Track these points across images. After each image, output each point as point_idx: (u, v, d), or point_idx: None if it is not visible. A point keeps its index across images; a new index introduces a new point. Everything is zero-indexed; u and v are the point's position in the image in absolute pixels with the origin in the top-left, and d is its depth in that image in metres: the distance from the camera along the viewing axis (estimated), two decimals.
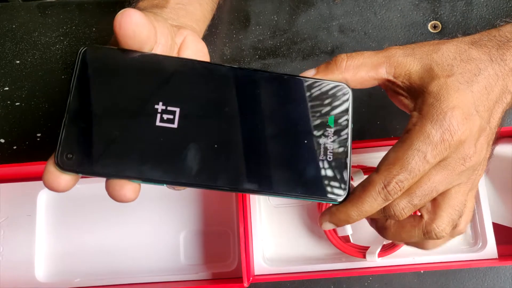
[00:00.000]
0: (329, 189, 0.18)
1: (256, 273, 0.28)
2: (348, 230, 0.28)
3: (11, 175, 0.30)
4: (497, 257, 0.28)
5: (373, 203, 0.19)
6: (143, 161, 0.17)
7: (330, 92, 0.19)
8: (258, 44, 0.35)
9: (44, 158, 0.32)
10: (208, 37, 0.35)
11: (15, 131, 0.33)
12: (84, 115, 0.17)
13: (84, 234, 0.30)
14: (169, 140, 0.17)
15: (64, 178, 0.16)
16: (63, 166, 0.16)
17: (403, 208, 0.19)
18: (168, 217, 0.30)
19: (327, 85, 0.20)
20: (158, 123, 0.17)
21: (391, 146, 0.19)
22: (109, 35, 0.35)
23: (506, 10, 0.35)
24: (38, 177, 0.30)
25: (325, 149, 0.19)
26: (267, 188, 0.18)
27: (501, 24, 0.22)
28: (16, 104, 0.34)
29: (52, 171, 0.16)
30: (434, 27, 0.35)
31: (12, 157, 0.32)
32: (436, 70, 0.20)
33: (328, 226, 0.20)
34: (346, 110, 0.19)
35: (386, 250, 0.28)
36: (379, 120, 0.33)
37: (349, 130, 0.19)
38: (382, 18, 0.36)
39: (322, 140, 0.19)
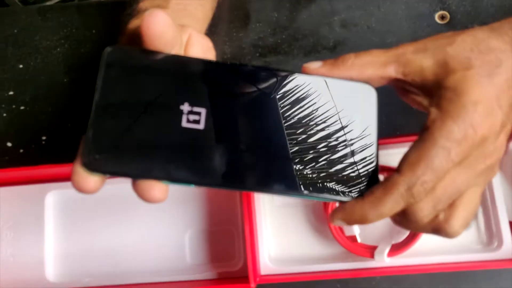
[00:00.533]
0: (354, 187, 0.19)
1: (262, 273, 0.28)
2: (355, 229, 0.28)
3: (19, 178, 0.31)
4: None
5: (394, 205, 0.18)
6: (171, 161, 0.17)
7: (355, 92, 0.20)
8: (258, 42, 0.35)
9: (50, 160, 0.32)
10: (208, 36, 0.35)
11: (21, 135, 0.34)
12: (111, 116, 0.17)
13: (92, 234, 0.31)
14: (196, 141, 0.17)
15: (92, 179, 0.16)
16: (91, 167, 0.16)
17: (427, 215, 0.19)
18: (173, 217, 0.31)
19: (351, 85, 0.20)
20: (184, 124, 0.17)
21: (410, 145, 0.19)
22: (108, 36, 0.36)
23: None
24: (45, 179, 0.31)
25: (352, 149, 0.19)
26: (294, 188, 0.18)
27: None
28: (21, 108, 0.34)
29: (79, 172, 0.16)
30: (442, 17, 0.34)
31: (19, 160, 0.33)
32: (452, 64, 0.19)
33: (339, 223, 0.19)
34: (372, 110, 0.19)
35: (396, 250, 0.27)
36: (385, 117, 0.33)
37: (375, 129, 0.19)
38: (386, 11, 0.35)
39: (347, 140, 0.19)
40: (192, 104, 0.18)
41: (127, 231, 0.31)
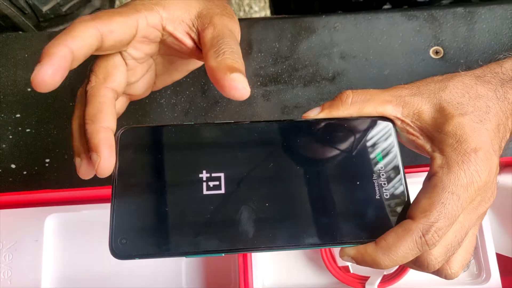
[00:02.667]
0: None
1: None
2: None
3: (20, 201, 0.32)
4: None
5: (407, 253, 0.18)
6: (197, 235, 0.17)
7: (372, 128, 0.19)
8: (260, 71, 0.37)
9: (52, 183, 0.34)
10: None
11: (25, 157, 0.36)
12: (131, 198, 0.17)
13: (89, 258, 0.32)
14: (220, 207, 0.17)
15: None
16: (118, 253, 0.16)
17: (440, 261, 0.19)
18: None
19: (365, 122, 0.20)
20: (205, 191, 0.18)
21: (419, 191, 0.19)
22: None
23: (508, 35, 0.36)
24: (45, 202, 0.33)
25: (380, 187, 0.19)
26: (327, 240, 0.18)
27: (502, 58, 0.23)
28: (27, 130, 0.36)
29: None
30: (436, 52, 0.37)
31: (22, 182, 0.35)
32: (448, 109, 0.20)
33: (349, 260, 0.20)
34: (392, 144, 0.19)
35: (387, 281, 0.29)
36: None
37: (399, 162, 0.19)
38: (383, 44, 0.37)
39: (375, 179, 0.19)
40: (210, 171, 0.18)
41: None
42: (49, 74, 0.19)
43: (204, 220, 0.17)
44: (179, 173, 0.18)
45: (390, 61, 0.37)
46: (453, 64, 0.36)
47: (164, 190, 0.18)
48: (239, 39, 0.25)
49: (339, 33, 0.38)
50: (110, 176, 0.18)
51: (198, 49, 0.23)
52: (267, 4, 0.48)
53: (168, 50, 0.25)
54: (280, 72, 0.37)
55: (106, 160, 0.18)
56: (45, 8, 0.43)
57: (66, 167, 0.35)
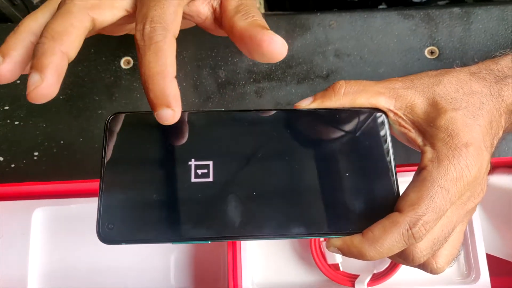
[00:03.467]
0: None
1: None
2: (338, 258, 0.29)
3: (7, 194, 0.32)
4: None
5: (394, 245, 0.18)
6: (184, 222, 0.17)
7: (364, 120, 0.19)
8: (253, 68, 0.37)
9: (40, 176, 0.34)
10: (204, 60, 0.37)
11: (13, 150, 0.35)
12: (119, 183, 0.17)
13: (77, 253, 0.32)
14: (208, 195, 0.17)
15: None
16: (105, 238, 0.17)
17: (425, 255, 0.19)
18: None
19: (357, 113, 0.19)
20: (193, 179, 0.18)
21: (408, 184, 0.19)
22: (107, 55, 0.38)
23: (505, 36, 0.37)
24: (33, 195, 0.33)
25: (370, 179, 0.19)
26: (314, 230, 0.18)
27: (498, 55, 0.23)
28: (15, 123, 0.36)
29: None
30: (431, 52, 0.37)
31: (10, 175, 0.35)
32: (441, 104, 0.20)
33: (335, 251, 0.20)
34: (384, 136, 0.19)
35: (376, 279, 0.29)
36: None
37: (390, 154, 0.19)
38: (378, 43, 0.37)
39: (364, 171, 0.19)
40: (198, 159, 0.18)
41: (113, 250, 0.32)
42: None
43: (191, 207, 0.17)
44: (167, 160, 0.18)
45: (385, 60, 0.37)
46: (448, 64, 0.36)
47: (151, 176, 0.18)
48: None
49: (334, 31, 0.38)
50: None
51: (214, 18, 0.22)
52: (262, 0, 0.48)
53: None
54: (273, 69, 0.37)
55: (47, 88, 0.17)
56: (36, 0, 0.42)
57: (55, 160, 0.35)
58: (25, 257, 0.31)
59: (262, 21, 0.20)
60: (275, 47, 0.18)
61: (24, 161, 0.35)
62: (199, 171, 0.18)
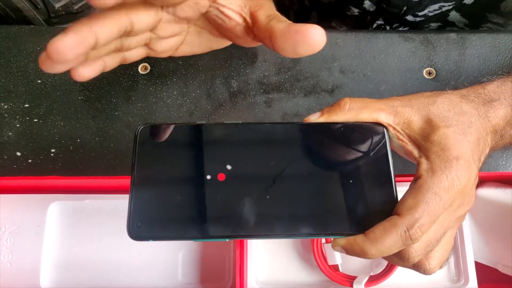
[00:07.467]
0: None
1: None
2: (337, 259, 0.33)
3: (24, 187, 0.35)
4: None
5: (392, 245, 0.21)
6: (205, 221, 0.20)
7: (367, 132, 0.23)
8: (263, 79, 0.42)
9: (56, 172, 0.37)
10: (218, 70, 0.42)
11: (31, 146, 0.39)
12: (147, 187, 0.21)
13: (89, 247, 0.35)
14: (226, 198, 0.21)
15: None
16: (134, 235, 0.20)
17: (419, 255, 0.22)
18: None
19: (361, 127, 0.23)
20: (213, 184, 0.21)
21: (405, 192, 0.22)
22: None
23: (496, 62, 0.42)
24: (49, 190, 0.36)
25: (371, 186, 0.22)
26: (321, 231, 0.21)
27: (487, 81, 0.27)
28: (34, 120, 0.40)
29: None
30: (429, 73, 0.42)
31: (26, 170, 0.38)
32: (435, 121, 0.23)
33: (339, 250, 0.23)
34: (384, 147, 0.23)
35: (373, 280, 0.32)
36: None
37: (390, 163, 0.22)
38: (380, 62, 0.42)
39: (367, 178, 0.22)
40: (218, 165, 0.21)
41: (124, 245, 0.35)
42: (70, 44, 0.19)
43: (211, 208, 0.21)
44: (191, 166, 0.21)
45: (386, 78, 0.41)
46: (444, 85, 0.41)
47: (176, 181, 0.21)
48: None
49: (340, 49, 0.42)
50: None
51: (247, 27, 0.26)
52: None
53: (204, 23, 0.28)
54: (282, 82, 0.42)
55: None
56: (57, 5, 0.47)
57: (71, 157, 0.38)
58: (39, 248, 0.34)
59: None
60: (319, 35, 0.23)
61: (41, 157, 0.38)
62: (219, 176, 0.21)
